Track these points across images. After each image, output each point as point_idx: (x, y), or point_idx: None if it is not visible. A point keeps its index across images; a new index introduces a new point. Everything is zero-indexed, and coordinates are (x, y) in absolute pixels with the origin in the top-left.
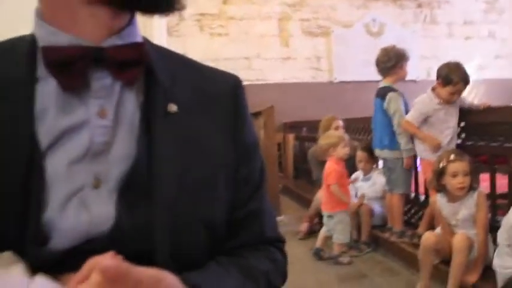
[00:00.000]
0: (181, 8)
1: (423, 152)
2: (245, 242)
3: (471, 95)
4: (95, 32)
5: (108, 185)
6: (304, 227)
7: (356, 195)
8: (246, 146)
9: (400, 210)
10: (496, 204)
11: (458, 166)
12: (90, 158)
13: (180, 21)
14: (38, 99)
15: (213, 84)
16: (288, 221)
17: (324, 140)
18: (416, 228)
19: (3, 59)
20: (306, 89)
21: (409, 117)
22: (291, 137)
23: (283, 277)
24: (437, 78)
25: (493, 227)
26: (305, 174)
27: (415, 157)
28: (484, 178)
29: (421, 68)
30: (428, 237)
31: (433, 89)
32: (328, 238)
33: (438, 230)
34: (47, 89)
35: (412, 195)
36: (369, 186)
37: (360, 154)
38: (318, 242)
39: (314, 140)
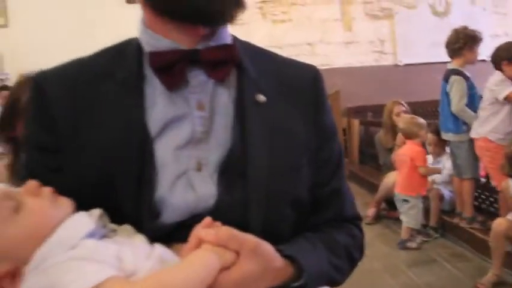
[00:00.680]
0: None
1: (493, 135)
2: (327, 218)
3: None
4: (188, 37)
5: (208, 168)
6: (371, 212)
7: None
8: (326, 130)
9: (470, 195)
10: None
11: None
12: (193, 145)
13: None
14: (147, 93)
15: (294, 75)
16: None
17: (406, 123)
18: (488, 214)
19: (120, 58)
20: (370, 73)
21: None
22: (356, 122)
23: (361, 251)
24: (501, 59)
25: None
26: (371, 160)
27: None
28: None
29: (492, 47)
30: (499, 223)
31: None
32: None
33: (510, 216)
34: (153, 85)
35: (483, 180)
36: None
37: (430, 137)
38: (403, 234)
39: (379, 124)
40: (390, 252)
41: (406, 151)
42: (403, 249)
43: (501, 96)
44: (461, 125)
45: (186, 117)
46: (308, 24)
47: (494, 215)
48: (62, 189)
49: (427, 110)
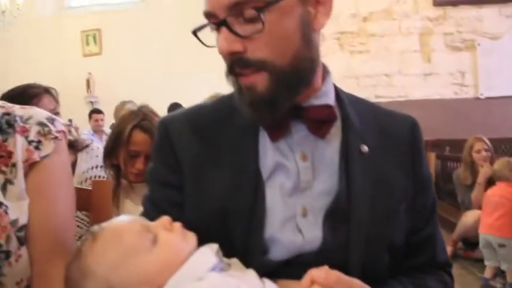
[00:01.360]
0: None
1: None
2: (420, 264)
3: None
4: None
5: (313, 213)
6: (448, 250)
7: None
8: (423, 180)
9: None
10: None
11: None
12: (298, 193)
13: (321, 41)
14: (260, 140)
15: (393, 125)
16: None
17: (502, 166)
18: None
19: (238, 108)
20: (449, 106)
21: None
22: (432, 155)
23: None
24: None
25: None
26: (448, 196)
27: None
28: None
29: None
30: None
31: None
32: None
33: None
34: (264, 134)
35: None
36: None
37: None
38: (487, 273)
39: (457, 159)
40: None
41: (499, 192)
42: None
43: None
44: None
45: (291, 166)
46: (386, 55)
47: None
48: (181, 222)
49: (510, 147)
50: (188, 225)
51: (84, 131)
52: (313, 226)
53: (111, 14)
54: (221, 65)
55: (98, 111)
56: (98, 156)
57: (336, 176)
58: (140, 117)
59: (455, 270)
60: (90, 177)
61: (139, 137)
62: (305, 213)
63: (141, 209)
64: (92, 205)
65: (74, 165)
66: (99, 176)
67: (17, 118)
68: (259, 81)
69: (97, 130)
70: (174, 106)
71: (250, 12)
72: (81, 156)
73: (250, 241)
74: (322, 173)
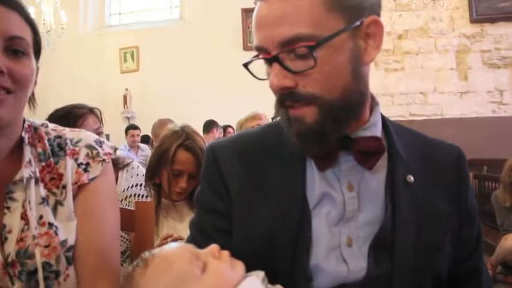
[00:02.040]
0: None
1: None
2: None
3: None
4: None
5: (358, 243)
6: None
7: None
8: (469, 211)
9: None
10: None
11: None
12: (344, 222)
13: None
14: (307, 168)
15: (439, 155)
16: None
17: None
18: None
19: (285, 137)
20: (486, 125)
21: None
22: (470, 175)
23: None
24: None
25: None
26: (486, 217)
27: None
28: None
29: None
30: None
31: None
32: None
33: None
34: (311, 161)
35: None
36: None
37: None
38: None
39: (496, 180)
40: None
41: None
42: None
43: None
44: None
45: (337, 196)
46: (421, 73)
47: None
48: (227, 249)
49: None
50: (235, 252)
51: (121, 146)
52: (358, 256)
53: (148, 32)
54: (257, 83)
55: (134, 127)
56: (138, 174)
57: (381, 206)
58: (184, 137)
59: None
60: (130, 196)
61: (183, 156)
62: (350, 243)
63: (180, 226)
64: (135, 225)
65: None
66: (139, 195)
67: (68, 141)
68: (308, 113)
69: (133, 146)
70: (210, 124)
71: (302, 49)
72: (122, 175)
73: (295, 269)
74: (367, 203)
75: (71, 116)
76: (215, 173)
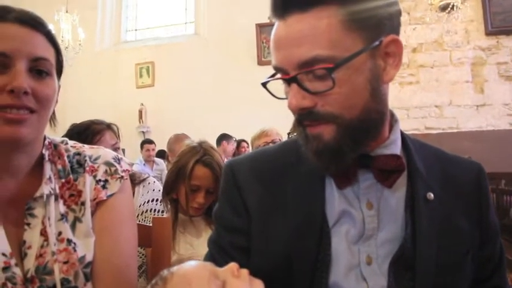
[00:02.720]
0: None
1: None
2: None
3: None
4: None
5: (377, 262)
6: None
7: None
8: (490, 229)
9: None
10: None
11: None
12: (363, 241)
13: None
14: (327, 186)
15: (459, 172)
16: None
17: None
18: None
19: (304, 154)
20: (503, 138)
21: None
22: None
23: None
24: None
25: None
26: (504, 232)
27: None
28: None
29: None
30: None
31: None
32: None
33: None
34: (331, 178)
35: None
36: None
37: None
38: None
39: None
40: None
41: None
42: None
43: None
44: None
45: (357, 214)
46: (436, 86)
47: None
48: (245, 267)
49: None
50: (253, 270)
51: (136, 160)
52: (378, 274)
53: (164, 48)
54: (272, 98)
55: (149, 142)
56: (154, 190)
57: (401, 224)
58: (202, 153)
59: None
60: (146, 211)
61: (201, 171)
62: (370, 261)
63: (197, 242)
64: (152, 241)
65: None
66: (156, 210)
67: (87, 158)
68: (327, 131)
69: (148, 160)
70: (221, 137)
71: (320, 71)
72: (138, 190)
73: (312, 285)
74: (387, 222)
75: (88, 131)
76: (234, 190)
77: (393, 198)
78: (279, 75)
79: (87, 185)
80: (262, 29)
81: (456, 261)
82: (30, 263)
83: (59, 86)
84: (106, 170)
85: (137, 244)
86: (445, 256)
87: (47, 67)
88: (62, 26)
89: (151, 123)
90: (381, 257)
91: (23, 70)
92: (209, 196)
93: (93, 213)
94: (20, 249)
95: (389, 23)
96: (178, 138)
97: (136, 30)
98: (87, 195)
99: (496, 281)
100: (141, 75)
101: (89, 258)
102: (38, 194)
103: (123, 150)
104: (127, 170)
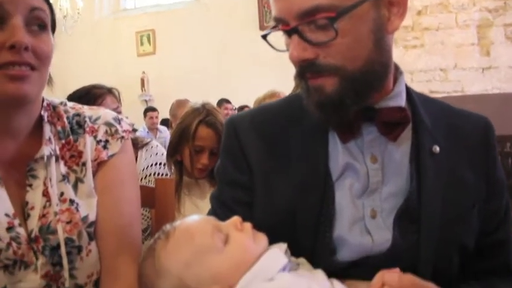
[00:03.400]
0: None
1: None
2: (491, 268)
3: None
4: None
5: (382, 215)
6: None
7: None
8: (496, 183)
9: None
10: None
11: None
12: (367, 195)
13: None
14: (330, 140)
15: (466, 126)
16: None
17: None
18: None
19: (306, 108)
20: (510, 100)
21: None
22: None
23: None
24: None
25: None
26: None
27: None
28: None
29: None
30: None
31: None
32: None
33: None
34: (334, 133)
35: None
36: None
37: None
38: None
39: None
40: None
41: None
42: None
43: None
44: None
45: (361, 167)
46: (441, 49)
47: None
48: (248, 221)
49: None
50: (257, 225)
51: (140, 128)
52: (382, 228)
53: (164, 15)
54: (275, 63)
55: (152, 109)
56: (157, 154)
57: (405, 178)
58: (205, 114)
59: None
60: (150, 174)
61: (204, 132)
62: (374, 215)
63: (202, 204)
64: (155, 202)
65: None
66: (159, 173)
67: (87, 119)
68: (329, 83)
69: (152, 128)
70: (221, 102)
71: (322, 21)
72: (141, 154)
73: (318, 241)
74: (391, 175)
75: (89, 96)
76: (235, 146)
77: (398, 151)
78: (280, 27)
79: (88, 145)
80: None
81: (461, 214)
82: (33, 224)
83: (53, 46)
84: (106, 131)
85: (140, 205)
86: (450, 209)
87: (43, 18)
88: None
89: (153, 91)
90: (386, 211)
91: (21, 25)
92: (213, 157)
93: (94, 174)
94: (23, 210)
95: None
96: (180, 103)
97: None
98: (88, 155)
99: (500, 234)
100: (142, 43)
101: (91, 217)
102: (38, 155)
103: (127, 118)
104: (128, 130)
